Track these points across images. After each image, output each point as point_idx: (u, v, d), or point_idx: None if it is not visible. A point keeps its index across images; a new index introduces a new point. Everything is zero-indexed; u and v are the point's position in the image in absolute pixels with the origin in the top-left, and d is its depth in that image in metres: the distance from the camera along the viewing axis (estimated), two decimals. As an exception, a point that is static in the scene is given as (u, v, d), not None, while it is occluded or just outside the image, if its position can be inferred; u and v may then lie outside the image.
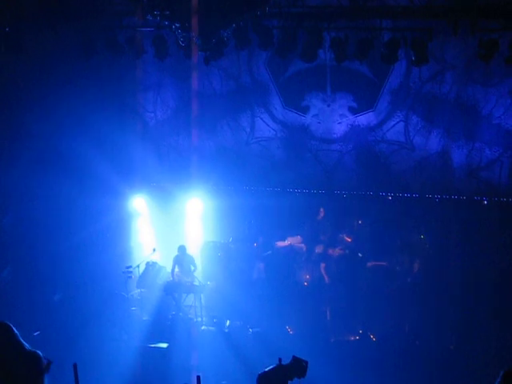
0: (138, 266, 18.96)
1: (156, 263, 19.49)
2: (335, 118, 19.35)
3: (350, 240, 19.45)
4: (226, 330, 17.82)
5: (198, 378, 9.25)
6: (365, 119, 19.19)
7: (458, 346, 17.14)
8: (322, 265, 19.03)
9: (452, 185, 19.02)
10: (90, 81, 18.33)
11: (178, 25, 14.18)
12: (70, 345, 15.82)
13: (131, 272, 18.75)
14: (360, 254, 18.93)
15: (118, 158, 18.97)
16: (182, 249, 18.86)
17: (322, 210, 19.74)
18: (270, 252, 19.52)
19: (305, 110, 19.44)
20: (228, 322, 18.10)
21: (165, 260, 19.59)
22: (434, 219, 18.86)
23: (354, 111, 19.15)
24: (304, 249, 19.54)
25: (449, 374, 15.48)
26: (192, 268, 18.99)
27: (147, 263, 19.30)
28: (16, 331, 6.87)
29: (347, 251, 19.08)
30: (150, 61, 17.53)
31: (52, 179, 17.98)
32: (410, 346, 17.19)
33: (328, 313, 18.36)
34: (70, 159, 18.30)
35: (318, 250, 19.31)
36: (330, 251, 19.22)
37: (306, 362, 8.02)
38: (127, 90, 19.62)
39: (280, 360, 8.02)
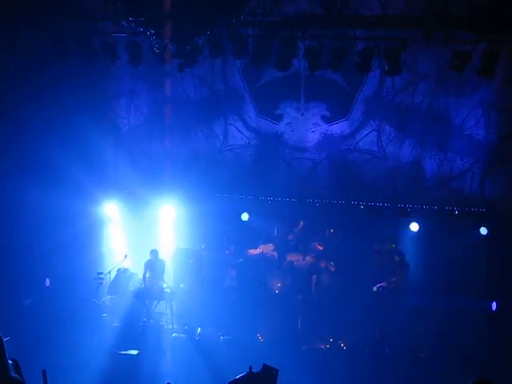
0: (110, 273, 18.84)
1: (127, 270, 19.39)
2: (308, 127, 19.43)
3: (321, 248, 19.49)
4: (197, 338, 17.79)
5: (169, 385, 9.24)
6: (338, 128, 19.27)
7: (428, 353, 17.21)
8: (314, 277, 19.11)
9: (424, 194, 19.14)
10: (63, 86, 18.24)
11: (152, 31, 14.19)
12: (40, 350, 15.71)
13: (102, 278, 18.63)
14: (332, 263, 18.98)
15: (91, 163, 18.87)
16: (154, 253, 18.78)
17: (301, 222, 19.77)
18: (241, 259, 19.50)
19: (278, 119, 19.50)
20: (199, 329, 18.06)
21: (136, 266, 19.49)
22: (405, 228, 18.94)
23: (327, 120, 19.25)
24: (276, 256, 19.55)
25: (419, 382, 15.54)
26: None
27: (118, 269, 19.18)
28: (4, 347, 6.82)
29: (318, 260, 19.13)
30: (124, 67, 17.48)
31: (24, 184, 17.90)
32: (380, 354, 17.24)
33: (299, 321, 18.37)
34: (43, 164, 18.22)
35: (290, 258, 19.33)
36: (302, 259, 19.27)
37: (277, 371, 8.03)
38: (100, 95, 19.55)
39: (250, 368, 8.02)
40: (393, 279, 18.28)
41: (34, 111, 18.45)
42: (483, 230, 18.41)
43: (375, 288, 18.21)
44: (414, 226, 18.95)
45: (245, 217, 19.62)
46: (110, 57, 16.62)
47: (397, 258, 18.37)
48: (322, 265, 19.13)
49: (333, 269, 18.95)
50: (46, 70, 17.78)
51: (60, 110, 18.37)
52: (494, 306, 17.82)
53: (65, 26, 16.31)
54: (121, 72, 18.80)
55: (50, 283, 19.02)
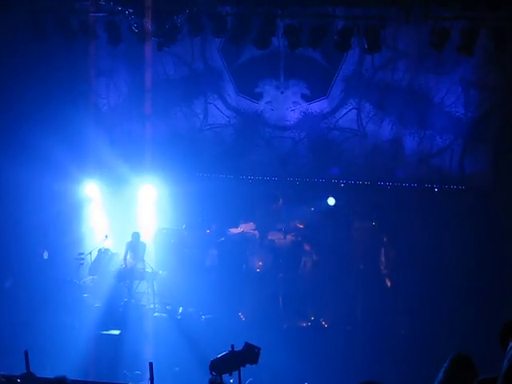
0: (90, 253, 18.85)
1: (108, 250, 19.36)
2: (288, 105, 19.41)
3: (302, 227, 19.53)
4: (179, 317, 17.81)
5: (151, 364, 9.26)
6: (318, 106, 19.26)
7: (409, 330, 17.33)
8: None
9: (403, 172, 19.17)
10: (42, 66, 18.15)
11: (131, 10, 14.12)
12: (22, 331, 15.71)
13: (83, 259, 18.64)
14: (312, 242, 19.03)
15: (71, 143, 18.73)
16: (135, 235, 18.75)
17: (280, 200, 19.78)
18: (223, 239, 19.55)
19: (258, 97, 19.46)
20: (181, 308, 18.09)
21: (117, 247, 19.46)
22: (385, 206, 18.98)
23: (307, 98, 19.22)
24: (257, 235, 19.58)
25: (399, 358, 15.66)
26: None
27: (99, 250, 19.16)
28: None
29: (299, 238, 19.17)
30: (103, 46, 17.36)
31: (2, 164, 17.76)
32: (362, 332, 17.34)
33: (280, 299, 18.44)
34: (22, 144, 18.06)
35: (271, 236, 19.36)
36: (283, 238, 19.31)
37: (259, 349, 8.06)
38: (79, 75, 19.38)
39: (232, 346, 8.05)
40: (381, 259, 18.39)
41: (13, 91, 18.30)
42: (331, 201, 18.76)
43: (361, 266, 18.31)
44: (331, 200, 19.24)
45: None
46: (88, 36, 16.53)
47: (384, 239, 18.48)
48: (306, 247, 19.17)
49: (315, 257, 18.99)
50: (24, 50, 17.65)
51: (39, 89, 18.25)
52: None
53: (43, 6, 16.19)
54: (100, 52, 18.65)
55: (48, 255, 19.03)
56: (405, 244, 18.44)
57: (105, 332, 16.62)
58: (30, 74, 18.13)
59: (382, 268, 18.38)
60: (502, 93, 17.99)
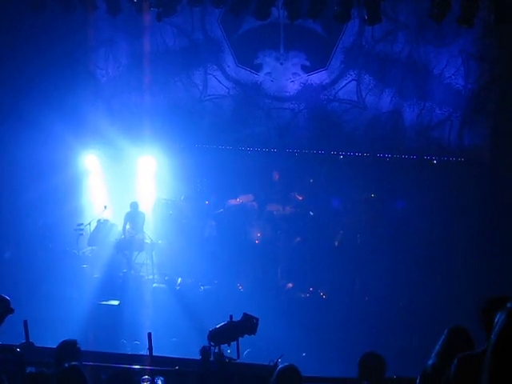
0: (90, 224, 18.87)
1: (107, 221, 19.38)
2: (288, 77, 19.38)
3: (301, 198, 19.54)
4: (178, 288, 17.88)
5: (149, 334, 9.33)
6: (317, 78, 19.22)
7: (407, 302, 17.39)
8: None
9: (403, 144, 19.18)
10: (42, 37, 18.05)
11: (130, -20, 14.03)
12: (21, 302, 15.72)
13: (82, 229, 18.66)
14: (311, 213, 19.04)
15: (70, 114, 18.70)
16: (134, 205, 18.77)
17: (276, 173, 19.76)
18: (221, 210, 19.55)
19: (258, 68, 19.42)
20: (179, 279, 18.15)
21: (116, 217, 19.49)
22: (384, 178, 18.98)
23: (306, 70, 19.19)
24: (255, 207, 19.59)
25: (397, 330, 15.73)
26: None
27: (98, 221, 19.18)
28: None
29: (298, 209, 19.19)
30: (102, 17, 17.24)
31: (2, 136, 17.75)
32: (360, 303, 17.41)
33: (279, 270, 18.49)
34: (21, 115, 18.04)
35: (270, 208, 19.38)
36: (282, 209, 19.33)
37: (257, 319, 8.13)
38: (78, 46, 19.34)
39: (231, 317, 8.11)
40: (371, 228, 18.42)
41: (12, 63, 18.23)
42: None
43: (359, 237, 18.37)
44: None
45: None
46: (88, 7, 16.40)
47: (383, 211, 18.54)
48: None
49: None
50: (23, 21, 17.54)
51: (38, 61, 18.16)
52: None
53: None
54: (99, 22, 18.59)
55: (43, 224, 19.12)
56: (404, 216, 18.47)
57: (104, 302, 16.69)
58: (28, 45, 18.04)
59: (380, 240, 18.39)
60: (501, 65, 17.97)
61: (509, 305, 3.25)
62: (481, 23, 16.22)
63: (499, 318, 3.26)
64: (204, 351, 8.52)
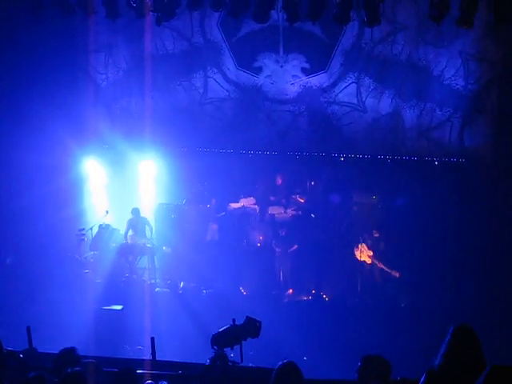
0: (91, 229, 18.88)
1: (109, 225, 19.38)
2: (288, 79, 19.40)
3: (302, 201, 19.55)
4: (180, 292, 17.90)
5: (152, 339, 9.33)
6: (317, 80, 19.23)
7: (409, 303, 17.39)
8: None
9: (403, 146, 19.17)
10: (41, 41, 18.05)
11: (129, -16, 14.02)
12: (23, 307, 15.76)
13: (84, 234, 18.68)
14: (313, 215, 19.04)
15: (70, 119, 18.72)
16: (135, 211, 18.77)
17: (279, 177, 19.78)
18: (223, 213, 19.56)
19: (257, 71, 19.44)
20: (182, 283, 18.17)
21: (118, 222, 19.49)
22: (385, 180, 18.97)
23: (306, 72, 19.21)
24: (257, 210, 19.60)
25: (399, 332, 15.69)
26: (147, 228, 18.96)
27: (100, 225, 19.18)
28: None
29: (300, 212, 19.19)
30: (101, 21, 17.20)
31: (2, 140, 17.74)
32: (362, 305, 17.39)
33: (281, 273, 18.49)
34: (21, 119, 18.03)
35: (271, 211, 19.38)
36: (283, 212, 19.33)
37: (260, 322, 8.10)
38: (78, 50, 19.38)
39: (234, 320, 8.09)
40: (381, 232, 18.42)
41: (11, 67, 18.22)
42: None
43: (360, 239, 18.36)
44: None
45: None
46: (87, 11, 16.39)
47: (384, 212, 18.54)
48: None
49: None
50: (22, 25, 17.54)
51: (38, 65, 18.15)
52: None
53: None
54: (98, 27, 18.58)
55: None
56: (405, 217, 18.44)
57: (106, 307, 16.66)
58: (28, 49, 18.03)
59: (382, 241, 18.38)
60: (501, 65, 17.95)
61: None
62: (480, 24, 16.19)
63: None
64: (213, 359, 8.49)
